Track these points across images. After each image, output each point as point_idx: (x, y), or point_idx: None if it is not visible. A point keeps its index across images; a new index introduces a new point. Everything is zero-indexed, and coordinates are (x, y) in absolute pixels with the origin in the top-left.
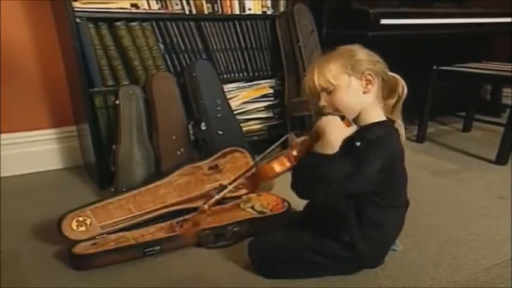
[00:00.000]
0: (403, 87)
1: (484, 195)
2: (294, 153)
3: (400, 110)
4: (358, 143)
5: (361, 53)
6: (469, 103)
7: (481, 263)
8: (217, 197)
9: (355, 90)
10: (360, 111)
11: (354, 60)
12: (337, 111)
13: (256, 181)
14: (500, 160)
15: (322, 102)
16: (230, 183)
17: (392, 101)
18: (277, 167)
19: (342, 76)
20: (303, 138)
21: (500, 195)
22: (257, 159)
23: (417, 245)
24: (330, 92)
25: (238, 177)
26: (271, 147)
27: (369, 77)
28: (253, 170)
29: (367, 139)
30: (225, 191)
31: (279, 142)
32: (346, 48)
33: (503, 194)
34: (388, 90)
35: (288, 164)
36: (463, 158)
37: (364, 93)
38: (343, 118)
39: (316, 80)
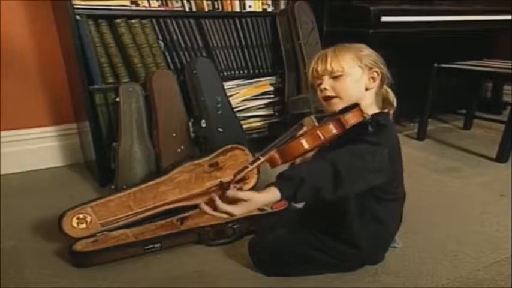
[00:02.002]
0: (393, 98)
1: (484, 192)
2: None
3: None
4: (371, 129)
5: (370, 52)
6: (469, 101)
7: (481, 260)
8: (250, 167)
9: (360, 84)
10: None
11: (365, 56)
12: (337, 96)
13: (289, 157)
14: (501, 158)
15: (325, 85)
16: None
17: (390, 110)
18: (306, 144)
19: (354, 67)
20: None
21: (501, 193)
22: (276, 141)
23: (417, 242)
24: (336, 77)
25: (268, 151)
26: (295, 127)
27: (375, 75)
28: (273, 152)
29: (378, 125)
30: (258, 162)
31: (296, 126)
32: (355, 44)
33: (504, 192)
34: (382, 101)
35: (321, 139)
36: (464, 155)
37: (367, 89)
38: (355, 106)
39: (329, 62)
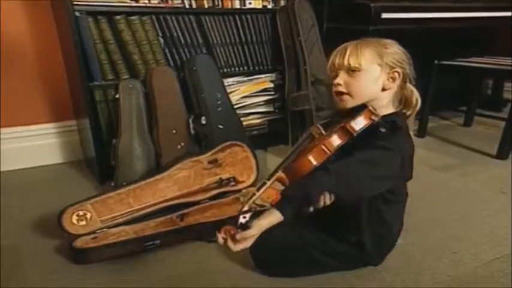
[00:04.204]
0: (417, 99)
1: (484, 189)
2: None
3: (413, 120)
4: (383, 130)
5: (397, 50)
6: (470, 98)
7: (481, 257)
8: (258, 193)
9: (377, 84)
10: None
11: (388, 54)
12: (349, 94)
13: (296, 176)
14: (501, 155)
15: (339, 81)
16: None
17: (408, 112)
18: (313, 161)
19: (373, 64)
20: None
21: (501, 190)
22: (289, 153)
23: (418, 240)
24: (352, 73)
25: (274, 173)
26: (299, 142)
27: (396, 75)
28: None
29: (391, 126)
30: (265, 187)
31: (304, 137)
32: (382, 40)
33: (504, 189)
34: (404, 101)
35: (328, 153)
36: (464, 152)
37: (384, 89)
38: (364, 107)
39: (347, 57)
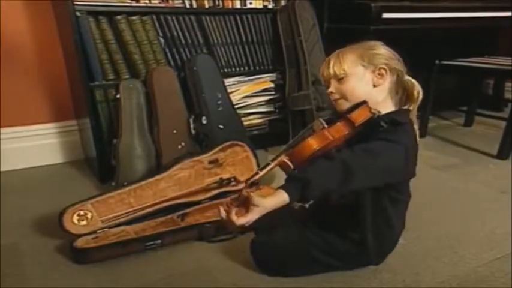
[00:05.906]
0: (418, 92)
1: (485, 189)
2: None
3: (416, 113)
4: (385, 125)
5: (380, 49)
6: (470, 98)
7: (481, 257)
8: (261, 173)
9: (366, 83)
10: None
11: (371, 54)
12: (343, 98)
13: (299, 158)
14: (502, 155)
15: (331, 89)
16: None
17: (411, 107)
18: (315, 143)
19: (356, 67)
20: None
21: (501, 190)
22: (286, 145)
23: (418, 239)
24: (340, 80)
25: (278, 156)
26: (304, 131)
27: (382, 71)
28: (288, 152)
29: (393, 122)
30: (268, 167)
31: (306, 129)
32: (366, 42)
33: (504, 189)
34: (405, 95)
35: (330, 138)
36: (465, 152)
37: (375, 86)
38: (362, 104)
39: (331, 66)
